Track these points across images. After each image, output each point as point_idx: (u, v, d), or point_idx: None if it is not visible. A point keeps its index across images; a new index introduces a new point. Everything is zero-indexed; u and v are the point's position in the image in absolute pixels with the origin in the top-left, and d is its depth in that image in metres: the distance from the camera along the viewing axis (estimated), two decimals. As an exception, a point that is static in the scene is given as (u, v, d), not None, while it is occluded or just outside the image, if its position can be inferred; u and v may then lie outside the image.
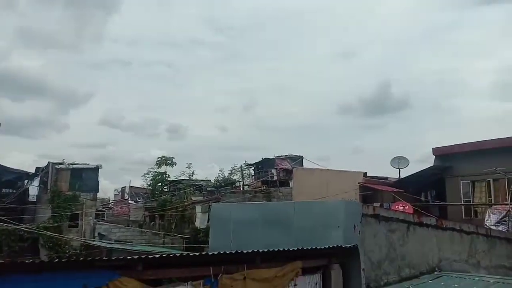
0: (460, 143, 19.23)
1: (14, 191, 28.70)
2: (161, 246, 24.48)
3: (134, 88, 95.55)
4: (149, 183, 42.41)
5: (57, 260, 7.47)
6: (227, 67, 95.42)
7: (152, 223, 32.77)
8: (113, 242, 23.60)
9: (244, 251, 7.11)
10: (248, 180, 40.57)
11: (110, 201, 42.36)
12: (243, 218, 10.00)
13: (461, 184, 18.94)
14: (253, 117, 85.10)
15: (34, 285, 5.48)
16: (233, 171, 41.32)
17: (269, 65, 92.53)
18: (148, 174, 42.32)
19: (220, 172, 42.76)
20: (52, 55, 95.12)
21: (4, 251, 22.61)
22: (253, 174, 40.97)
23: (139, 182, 45.00)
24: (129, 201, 39.59)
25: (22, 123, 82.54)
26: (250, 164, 40.50)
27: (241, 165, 40.50)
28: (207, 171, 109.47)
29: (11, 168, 29.82)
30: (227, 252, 7.14)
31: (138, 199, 40.93)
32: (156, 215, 31.99)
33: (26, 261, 5.44)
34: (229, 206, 15.52)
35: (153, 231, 28.42)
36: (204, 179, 41.77)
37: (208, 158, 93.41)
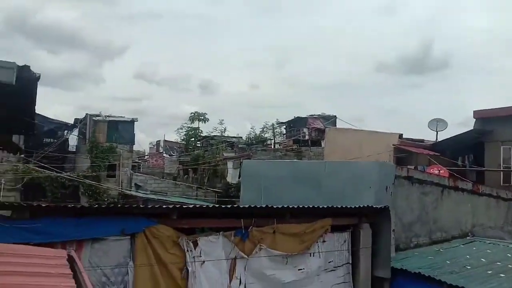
0: (504, 106, 18.29)
1: (55, 140, 30.03)
2: (194, 198, 25.30)
3: (168, 41, 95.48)
4: (182, 138, 43.32)
5: (97, 205, 7.86)
6: (260, 21, 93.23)
7: (186, 176, 33.74)
8: (148, 192, 24.57)
9: (275, 206, 7.22)
10: (280, 139, 40.62)
11: (146, 154, 43.70)
12: (274, 175, 10.11)
13: (501, 150, 18.21)
14: (286, 75, 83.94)
15: (76, 228, 5.80)
16: (264, 129, 41.35)
17: (305, 20, 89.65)
18: (181, 129, 43.14)
19: (251, 129, 42.88)
20: (87, 7, 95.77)
21: (48, 196, 24.02)
22: (284, 132, 40.90)
23: (173, 136, 46.03)
24: (164, 154, 40.69)
25: (60, 75, 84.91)
26: (282, 123, 40.34)
27: (273, 123, 40.45)
28: (239, 128, 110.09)
29: (51, 119, 31.04)
30: (258, 206, 7.28)
31: (172, 152, 42.06)
32: (189, 169, 32.86)
33: (70, 206, 5.75)
34: (260, 163, 15.70)
35: (187, 184, 29.31)
36: (235, 136, 42.13)
37: (239, 115, 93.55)
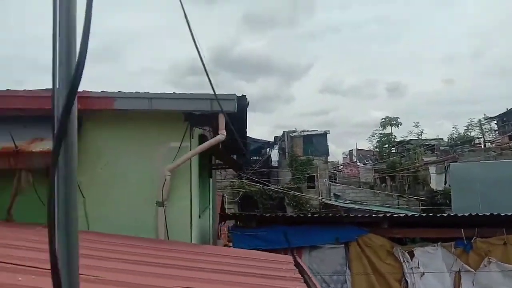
0: None
1: (260, 157, 33.34)
2: (396, 207, 24.21)
3: (349, 52, 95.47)
4: (375, 145, 42.29)
5: (311, 215, 8.35)
6: (444, 12, 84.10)
7: (383, 184, 32.67)
8: (348, 202, 24.73)
9: (502, 214, 6.30)
10: (490, 136, 35.39)
11: (340, 164, 44.25)
12: (492, 178, 8.91)
13: None
14: (485, 64, 72.91)
15: (295, 236, 6.29)
16: (469, 127, 36.77)
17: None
18: (373, 136, 42.22)
19: (453, 129, 38.72)
20: (271, 34, 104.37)
21: (259, 207, 26.75)
22: (496, 128, 35.46)
23: (365, 144, 45.33)
24: (358, 163, 40.43)
25: (256, 100, 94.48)
26: (491, 118, 35.14)
27: (480, 120, 35.61)
28: (436, 129, 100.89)
29: (256, 139, 34.64)
30: (480, 215, 6.48)
31: (366, 161, 41.40)
32: (386, 177, 31.72)
33: (288, 215, 6.26)
34: (472, 165, 14.04)
35: (386, 193, 28.32)
36: (435, 138, 38.70)
37: (434, 114, 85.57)
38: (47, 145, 4.54)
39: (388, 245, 6.31)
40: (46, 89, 4.93)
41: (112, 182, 5.22)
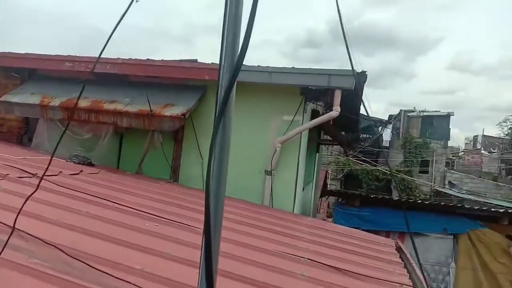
0: None
1: (370, 136, 32.22)
2: (522, 203, 21.62)
3: (487, 25, 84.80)
4: (506, 133, 37.73)
5: (421, 201, 8.01)
6: None
7: (510, 177, 29.25)
8: (464, 192, 22.80)
9: None
10: None
11: (461, 150, 40.61)
12: None
13: None
14: None
15: (397, 220, 6.14)
16: None
17: None
18: (505, 122, 37.65)
19: None
20: (400, 5, 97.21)
21: (363, 187, 26.17)
22: None
23: (493, 131, 40.75)
24: (482, 151, 36.63)
25: (374, 75, 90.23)
26: None
27: None
28: None
29: (367, 116, 33.43)
30: None
31: (493, 149, 37.27)
32: (515, 169, 28.32)
33: (394, 198, 6.13)
34: None
35: (511, 186, 25.37)
36: None
37: None
38: (177, 110, 5.12)
39: (505, 243, 5.81)
40: (180, 60, 5.50)
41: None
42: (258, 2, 0.80)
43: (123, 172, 5.56)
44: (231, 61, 0.87)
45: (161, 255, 2.25)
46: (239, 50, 0.85)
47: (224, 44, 0.88)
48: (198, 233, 2.91)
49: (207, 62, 5.47)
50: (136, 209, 3.23)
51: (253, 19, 0.79)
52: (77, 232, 2.34)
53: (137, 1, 1.07)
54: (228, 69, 0.87)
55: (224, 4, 0.87)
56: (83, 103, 5.47)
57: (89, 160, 5.23)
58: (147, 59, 5.68)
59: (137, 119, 5.25)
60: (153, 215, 3.17)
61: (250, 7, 0.81)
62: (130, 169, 5.71)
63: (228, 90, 0.85)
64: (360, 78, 5.07)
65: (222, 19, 0.88)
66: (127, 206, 3.25)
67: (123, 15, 1.10)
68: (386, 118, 33.44)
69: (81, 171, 4.45)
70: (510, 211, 5.90)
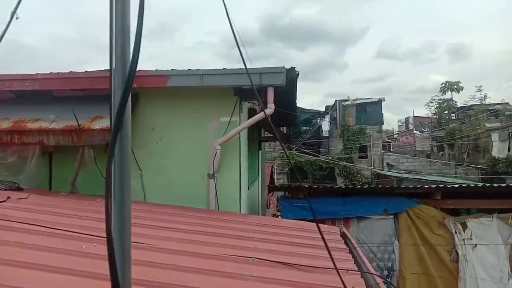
0: None
1: (310, 128, 33.12)
2: (453, 176, 23.32)
3: (407, 13, 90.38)
4: (434, 112, 40.52)
5: (360, 186, 8.34)
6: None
7: (441, 153, 31.43)
8: (401, 172, 24.14)
9: None
10: None
11: (395, 132, 42.95)
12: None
13: None
14: None
15: (343, 207, 6.36)
16: (540, 89, 33.97)
17: None
18: (432, 102, 40.43)
19: (522, 92, 35.95)
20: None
21: (309, 178, 26.87)
22: None
23: (422, 111, 43.56)
24: (414, 132, 39.02)
25: (308, 69, 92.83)
26: None
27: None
28: (503, 93, 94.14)
29: (306, 109, 34.34)
30: (543, 185, 6.15)
31: (423, 129, 39.84)
32: (444, 145, 30.46)
33: (335, 186, 6.33)
34: (539, 132, 13.11)
35: (443, 161, 27.27)
36: (500, 102, 36.28)
37: (502, 77, 79.72)
38: (107, 122, 4.90)
39: (440, 216, 6.21)
40: (104, 70, 5.26)
41: (167, 155, 5.53)
42: (144, 11, 0.76)
43: (56, 193, 5.23)
44: (122, 74, 0.83)
45: (104, 277, 2.13)
46: (130, 61, 0.81)
47: (113, 58, 0.83)
48: (142, 249, 2.80)
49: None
50: (72, 231, 3.05)
51: (141, 31, 0.74)
52: (4, 266, 2.15)
53: (17, 18, 1.00)
54: (120, 82, 0.83)
55: (109, 17, 0.82)
56: (4, 125, 5.07)
57: (17, 185, 4.86)
58: (70, 71, 5.38)
59: (65, 136, 4.96)
60: (91, 235, 3.01)
61: (137, 18, 0.77)
62: (64, 189, 5.39)
63: (122, 103, 0.80)
64: (291, 74, 5.16)
65: (109, 33, 0.83)
66: (62, 230, 3.05)
67: (4, 32, 1.01)
68: (324, 110, 34.49)
69: (9, 197, 4.12)
70: (441, 185, 6.30)
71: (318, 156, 27.25)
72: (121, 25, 0.83)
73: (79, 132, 4.84)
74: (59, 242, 2.76)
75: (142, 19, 0.75)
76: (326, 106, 34.28)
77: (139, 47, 0.76)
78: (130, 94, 0.82)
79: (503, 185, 6.95)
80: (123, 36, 0.83)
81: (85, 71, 5.34)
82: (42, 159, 5.46)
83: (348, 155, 27.91)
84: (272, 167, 16.51)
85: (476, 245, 6.05)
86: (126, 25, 0.83)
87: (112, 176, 0.83)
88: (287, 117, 8.68)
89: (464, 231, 6.13)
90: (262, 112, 5.19)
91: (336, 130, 30.40)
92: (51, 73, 5.42)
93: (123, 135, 0.84)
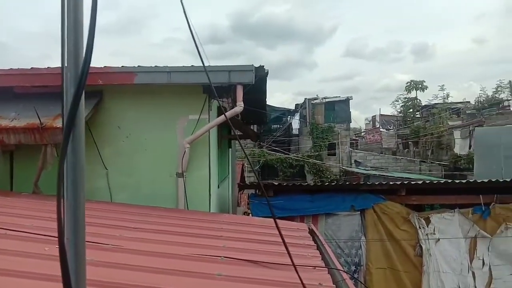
0: None
1: (280, 126, 33.35)
2: (418, 173, 24.06)
3: (374, 13, 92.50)
4: (399, 110, 41.62)
5: (328, 183, 8.48)
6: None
7: (406, 150, 32.36)
8: (369, 168, 24.69)
9: (522, 180, 6.24)
10: (520, 98, 34.18)
11: (362, 130, 43.84)
12: (518, 142, 8.71)
13: None
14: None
15: (311, 204, 6.43)
16: (498, 89, 35.54)
17: None
18: (397, 101, 41.53)
19: (481, 91, 37.61)
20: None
21: (279, 176, 27.06)
22: (526, 90, 34.19)
23: (389, 109, 44.70)
24: (381, 129, 39.96)
25: (278, 67, 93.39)
26: (522, 79, 33.79)
27: (510, 81, 34.34)
28: (464, 92, 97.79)
29: (276, 107, 34.55)
30: (501, 180, 6.43)
31: (389, 127, 40.88)
32: (409, 142, 31.39)
33: (304, 184, 6.40)
34: (498, 129, 13.73)
35: (408, 158, 28.10)
36: (461, 101, 37.71)
37: (463, 77, 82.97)
38: (70, 120, 4.74)
39: (405, 212, 6.40)
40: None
41: (134, 154, 5.42)
42: (97, 4, 0.74)
43: (17, 194, 5.03)
44: (74, 71, 0.80)
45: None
46: (83, 57, 0.78)
47: (65, 54, 0.80)
48: (104, 250, 2.74)
49: (100, 66, 5.14)
50: (33, 233, 2.94)
51: (94, 26, 0.72)
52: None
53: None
54: (73, 80, 0.80)
55: (60, 11, 0.79)
56: (-41, 123, 4.83)
57: (-26, 186, 4.65)
58: (32, 67, 5.18)
59: (26, 134, 4.77)
60: (54, 237, 2.91)
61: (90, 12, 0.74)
62: (26, 190, 5.19)
63: (75, 102, 0.77)
64: (259, 72, 5.16)
65: (60, 28, 0.79)
66: (23, 231, 2.94)
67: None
68: (294, 108, 34.80)
69: (-36, 199, 3.93)
70: (406, 182, 6.49)
71: (288, 154, 27.49)
72: (74, 19, 0.79)
73: (42, 130, 4.68)
74: (20, 244, 2.65)
75: (96, 13, 0.72)
76: (296, 104, 34.63)
77: (93, 42, 0.74)
78: (84, 93, 0.79)
79: (464, 181, 7.23)
80: (75, 31, 0.80)
81: (48, 67, 5.15)
82: (2, 158, 5.24)
83: (317, 153, 28.30)
84: (242, 165, 16.51)
85: (439, 239, 6.28)
86: (78, 20, 0.80)
87: (65, 177, 0.80)
88: (257, 115, 8.70)
89: (427, 226, 6.34)
90: (232, 110, 5.17)
91: (305, 128, 30.74)
92: (11, 69, 5.20)
93: (76, 135, 0.81)
